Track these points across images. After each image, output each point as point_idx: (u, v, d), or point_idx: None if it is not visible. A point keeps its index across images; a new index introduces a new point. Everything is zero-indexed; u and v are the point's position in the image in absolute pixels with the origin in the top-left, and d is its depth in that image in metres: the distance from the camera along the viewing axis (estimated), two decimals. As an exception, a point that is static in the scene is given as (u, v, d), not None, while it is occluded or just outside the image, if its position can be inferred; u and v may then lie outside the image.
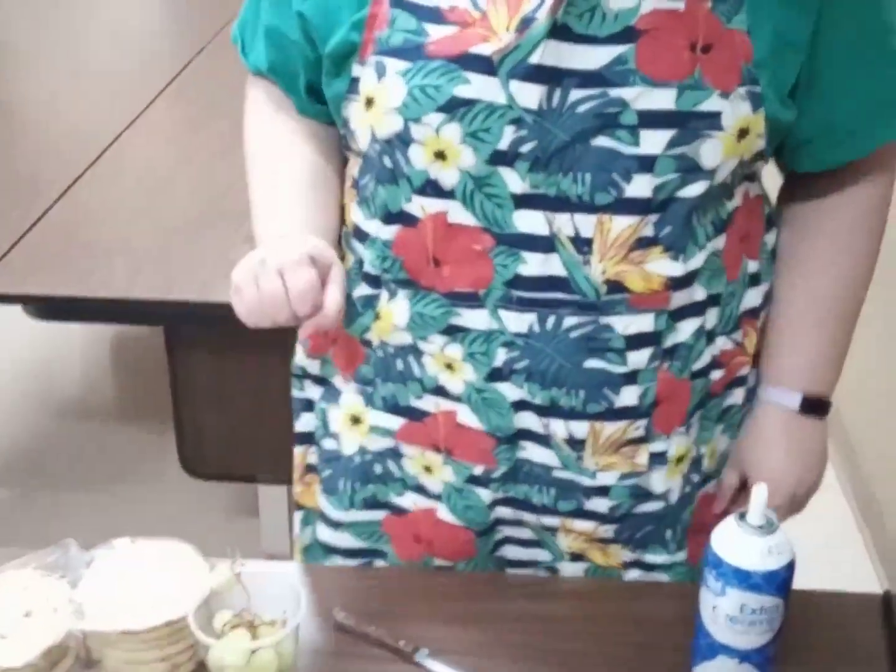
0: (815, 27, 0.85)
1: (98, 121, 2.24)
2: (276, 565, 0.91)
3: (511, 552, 1.03)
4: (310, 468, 1.09)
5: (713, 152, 0.84)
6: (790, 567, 0.83)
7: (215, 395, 1.76)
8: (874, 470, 2.28)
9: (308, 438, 1.08)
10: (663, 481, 0.97)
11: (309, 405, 1.07)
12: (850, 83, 0.89)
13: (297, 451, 1.09)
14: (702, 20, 0.81)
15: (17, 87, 2.60)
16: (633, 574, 1.02)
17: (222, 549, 0.99)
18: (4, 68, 2.79)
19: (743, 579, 0.82)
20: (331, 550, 1.07)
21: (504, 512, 0.99)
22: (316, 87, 0.95)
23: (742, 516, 0.84)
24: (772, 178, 1.00)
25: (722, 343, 0.97)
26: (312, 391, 1.06)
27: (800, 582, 0.86)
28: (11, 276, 1.71)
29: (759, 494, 0.83)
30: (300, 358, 1.06)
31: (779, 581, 0.83)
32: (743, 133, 0.85)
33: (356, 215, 0.96)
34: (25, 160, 2.10)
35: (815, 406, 1.01)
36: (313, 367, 1.05)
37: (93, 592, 0.89)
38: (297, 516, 1.12)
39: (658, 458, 0.96)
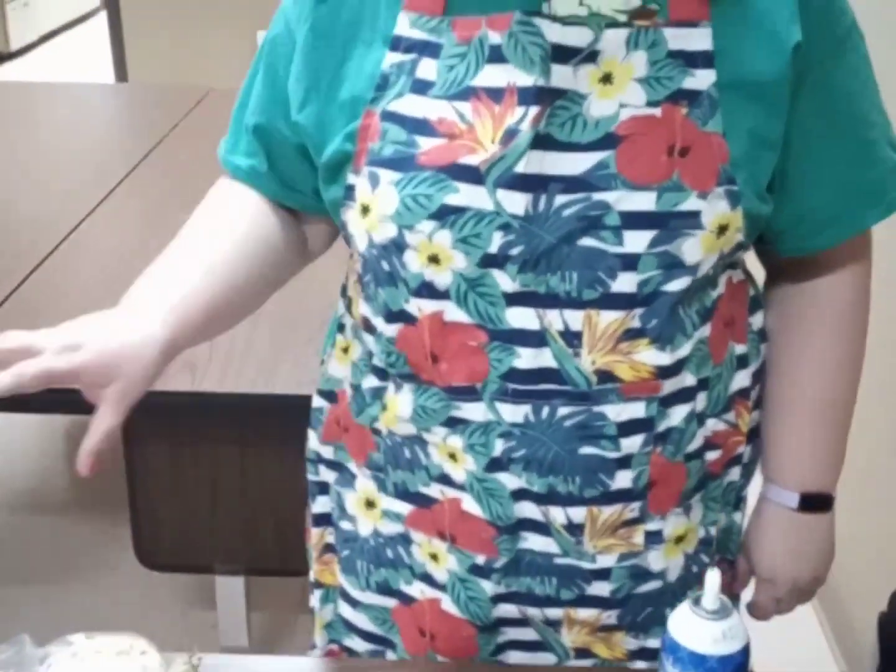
0: (786, 124, 0.89)
1: (57, 211, 2.25)
2: (233, 658, 0.90)
3: (514, 657, 1.04)
4: (328, 547, 1.11)
5: (694, 249, 0.87)
6: (745, 651, 0.84)
7: (171, 485, 1.75)
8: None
9: (325, 520, 1.10)
10: (661, 560, 0.99)
11: (324, 488, 1.09)
12: (824, 174, 0.94)
13: (315, 531, 1.12)
14: (678, 125, 0.85)
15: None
16: (640, 665, 1.03)
17: (179, 641, 0.98)
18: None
19: (699, 664, 0.83)
20: (351, 628, 1.08)
21: (507, 609, 1.00)
22: (300, 187, 0.99)
23: (697, 601, 0.85)
24: (756, 260, 1.04)
25: (713, 425, 0.99)
26: (327, 475, 1.09)
27: (758, 665, 0.87)
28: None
29: (712, 579, 0.84)
30: (314, 443, 1.09)
31: (734, 665, 0.84)
32: (722, 230, 0.88)
33: (364, 309, 0.99)
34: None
35: (815, 503, 1.04)
36: (327, 452, 1.08)
37: None
38: (317, 594, 1.13)
39: (653, 537, 0.98)
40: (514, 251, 0.87)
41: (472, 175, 0.85)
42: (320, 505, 1.11)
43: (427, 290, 0.90)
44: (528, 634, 1.02)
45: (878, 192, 0.95)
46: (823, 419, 1.03)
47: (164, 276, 0.95)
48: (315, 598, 1.14)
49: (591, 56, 0.85)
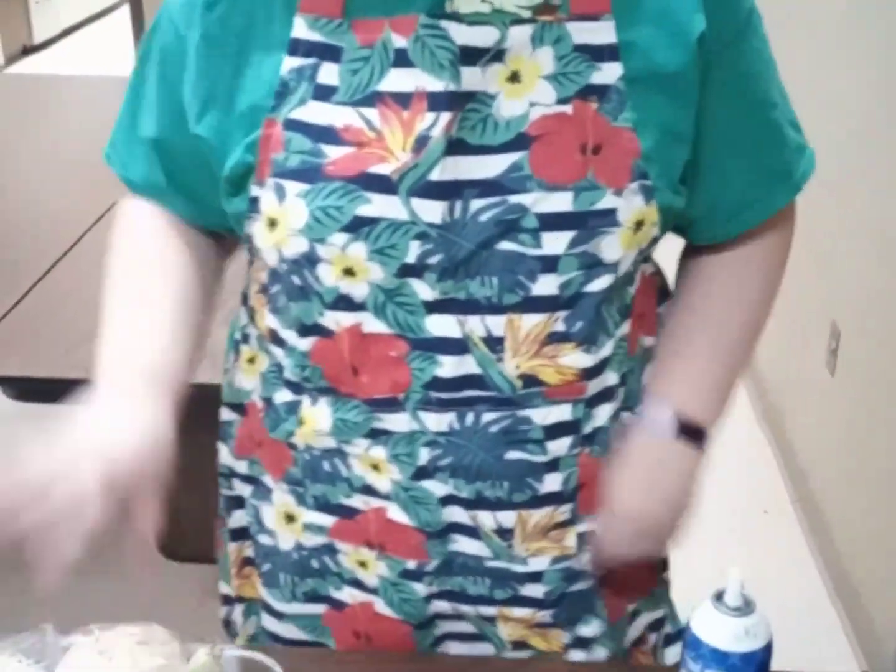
0: (696, 114, 0.89)
1: (76, 207, 2.26)
2: (255, 649, 0.90)
3: (453, 648, 1.03)
4: (247, 561, 1.09)
5: (613, 247, 0.87)
6: (768, 648, 0.84)
7: (192, 475, 1.75)
8: (848, 548, 2.29)
9: (242, 534, 1.08)
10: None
11: (239, 502, 1.07)
12: (734, 161, 0.93)
13: (232, 546, 1.09)
14: (590, 121, 0.85)
15: (1, 173, 2.62)
16: (577, 656, 1.02)
17: (200, 632, 0.99)
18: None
19: (721, 661, 0.83)
20: (277, 639, 1.06)
21: (441, 606, 0.99)
22: (205, 200, 0.95)
23: (719, 597, 0.85)
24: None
25: (627, 419, 0.98)
26: (242, 489, 1.06)
27: (777, 662, 0.86)
28: (-9, 358, 1.72)
29: (735, 577, 0.84)
30: (225, 458, 1.07)
31: (757, 662, 0.83)
32: (639, 225, 0.87)
33: (270, 321, 0.96)
34: (5, 245, 2.12)
35: (688, 430, 0.98)
36: (241, 467, 1.05)
37: None
38: (239, 608, 1.11)
39: (586, 538, 0.97)
40: (433, 260, 0.86)
41: (384, 185, 0.84)
42: (236, 519, 1.08)
43: (343, 302, 0.89)
44: (464, 627, 1.01)
45: (785, 172, 0.96)
46: (717, 355, 1.00)
47: (137, 344, 0.92)
48: (237, 613, 1.12)
49: (497, 55, 0.83)
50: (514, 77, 0.84)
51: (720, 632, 0.83)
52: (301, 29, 0.86)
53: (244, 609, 1.11)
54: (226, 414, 1.06)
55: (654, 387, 0.99)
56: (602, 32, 0.84)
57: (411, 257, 0.85)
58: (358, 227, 0.84)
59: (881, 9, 2.22)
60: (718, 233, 0.98)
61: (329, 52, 0.85)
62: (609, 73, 0.85)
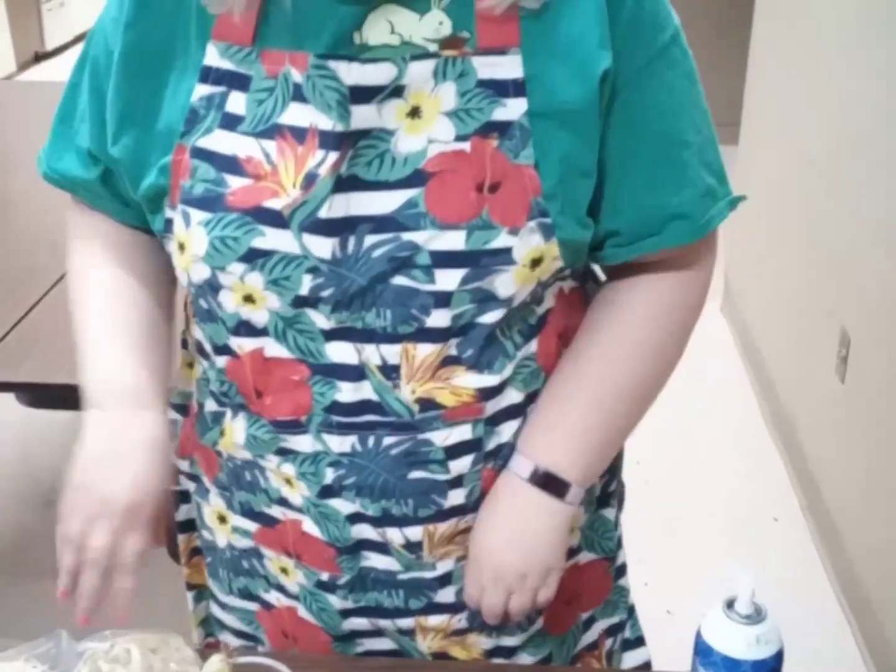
0: (599, 146, 0.88)
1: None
2: (269, 656, 0.91)
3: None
4: (195, 551, 1.12)
5: (507, 284, 0.87)
6: (779, 656, 0.84)
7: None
8: (859, 556, 2.28)
9: (190, 525, 1.11)
10: None
11: (186, 496, 1.10)
12: (630, 195, 0.90)
13: (181, 537, 1.12)
14: (488, 159, 0.84)
15: (13, 181, 2.64)
16: (482, 662, 1.03)
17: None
18: (2, 163, 2.84)
19: (732, 668, 0.83)
20: (223, 626, 1.10)
21: (359, 623, 1.01)
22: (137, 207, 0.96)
23: (730, 605, 0.85)
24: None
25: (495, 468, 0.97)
26: (187, 484, 1.09)
27: (787, 670, 0.86)
28: (5, 364, 1.72)
29: (746, 583, 0.84)
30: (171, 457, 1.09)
31: (768, 670, 0.83)
32: (536, 262, 0.87)
33: (197, 333, 0.98)
34: (19, 252, 2.12)
35: (549, 481, 0.94)
36: (183, 465, 1.08)
37: None
38: (190, 595, 1.15)
39: None
40: (325, 293, 0.86)
41: (277, 219, 0.85)
42: (183, 513, 1.11)
43: (245, 328, 0.90)
44: (383, 644, 1.03)
45: (682, 213, 0.91)
46: (596, 405, 0.95)
47: (120, 368, 0.96)
48: (189, 598, 1.15)
49: (396, 91, 0.83)
50: (415, 112, 0.84)
51: (731, 639, 0.83)
52: (213, 56, 0.86)
53: (195, 595, 1.14)
54: (172, 414, 1.08)
55: (521, 436, 0.96)
56: (508, 66, 0.84)
57: (304, 290, 0.86)
58: (253, 258, 0.86)
59: (892, 12, 2.22)
60: (618, 255, 0.94)
61: (238, 81, 0.86)
62: (513, 108, 0.84)
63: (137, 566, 0.91)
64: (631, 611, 1.12)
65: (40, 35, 6.88)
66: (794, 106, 2.90)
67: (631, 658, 1.12)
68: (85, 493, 0.92)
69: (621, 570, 1.11)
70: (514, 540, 0.95)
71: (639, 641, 1.13)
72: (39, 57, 6.89)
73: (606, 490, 1.07)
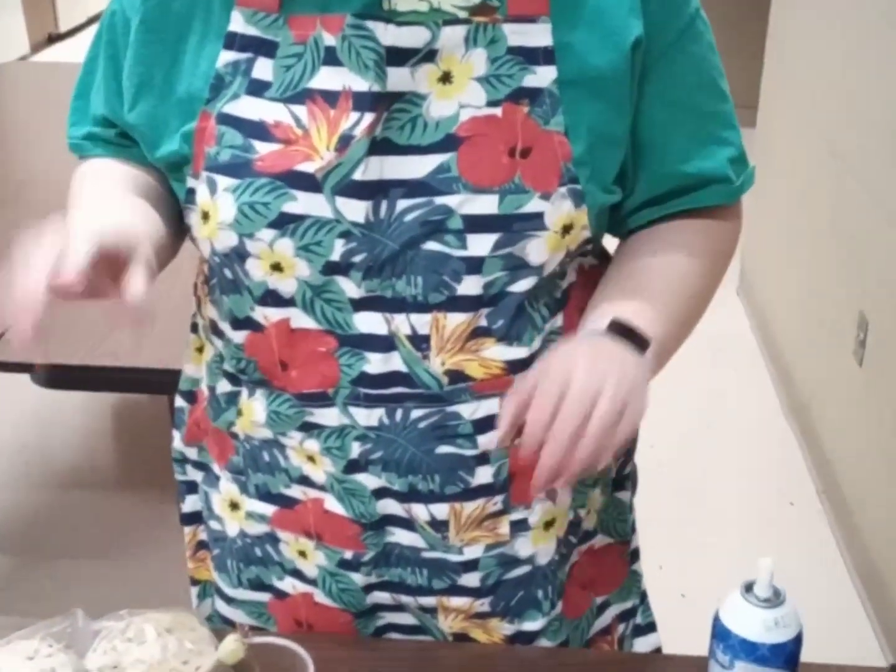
0: (632, 117, 0.88)
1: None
2: (283, 636, 0.91)
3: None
4: (201, 544, 1.10)
5: (539, 250, 0.86)
6: (798, 640, 0.84)
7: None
8: (875, 540, 2.27)
9: (196, 518, 1.10)
10: (528, 546, 0.98)
11: (193, 487, 1.09)
12: (663, 165, 0.92)
13: (187, 530, 1.11)
14: (519, 124, 0.84)
15: (28, 161, 2.64)
16: (498, 645, 1.02)
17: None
18: (15, 148, 2.84)
19: (750, 652, 0.83)
20: (228, 623, 1.08)
21: (382, 597, 1.00)
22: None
23: (749, 588, 0.84)
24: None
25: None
26: (195, 474, 1.08)
27: (803, 654, 0.86)
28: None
29: (765, 567, 0.83)
30: (178, 444, 1.08)
31: (786, 654, 0.83)
32: (567, 229, 0.87)
33: (212, 313, 0.98)
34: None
35: (627, 332, 0.87)
36: (191, 453, 1.07)
37: (100, 663, 0.89)
38: (194, 591, 1.13)
39: (519, 526, 0.97)
40: (357, 258, 0.86)
41: (310, 182, 0.84)
42: (190, 504, 1.10)
43: (272, 297, 0.89)
44: (405, 619, 1.02)
45: (721, 178, 0.94)
46: (663, 300, 0.92)
47: (107, 202, 0.90)
48: (192, 594, 1.14)
49: (429, 55, 0.83)
50: (446, 78, 0.84)
51: (750, 622, 0.83)
52: (238, 23, 0.86)
53: (199, 590, 1.13)
54: (179, 401, 1.08)
55: (587, 311, 0.92)
56: (538, 35, 0.84)
57: (336, 255, 0.86)
58: (284, 223, 0.85)
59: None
60: (652, 213, 0.95)
61: (264, 47, 0.85)
62: (543, 76, 0.84)
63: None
64: (643, 596, 1.12)
65: (54, 17, 6.88)
66: (813, 88, 2.88)
67: (642, 644, 1.12)
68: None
69: (635, 555, 1.11)
70: (595, 360, 0.84)
71: (650, 627, 1.13)
72: (53, 38, 6.90)
73: (622, 472, 1.07)
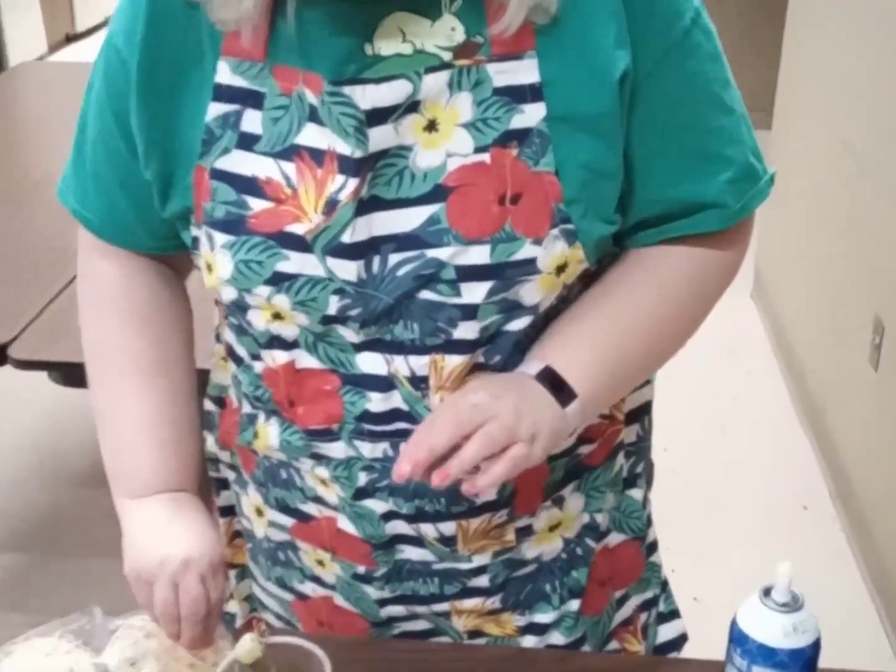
0: (625, 143, 0.85)
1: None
2: (301, 635, 0.91)
3: None
4: (237, 534, 1.12)
5: (532, 292, 0.86)
6: (816, 645, 0.83)
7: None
8: (889, 546, 2.26)
9: (230, 511, 1.11)
10: (533, 548, 1.00)
11: (225, 483, 1.10)
12: (665, 188, 0.89)
13: (222, 521, 1.12)
14: (508, 169, 0.83)
15: (43, 161, 2.65)
16: (530, 641, 1.03)
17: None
18: (33, 143, 2.85)
19: (768, 657, 0.82)
20: (264, 606, 1.10)
21: (396, 610, 1.01)
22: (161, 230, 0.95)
23: (767, 593, 0.84)
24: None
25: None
26: (227, 472, 1.09)
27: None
28: (38, 344, 1.73)
29: (784, 572, 0.83)
30: (211, 446, 1.09)
31: (805, 659, 0.83)
32: (561, 269, 0.86)
33: (229, 336, 0.98)
34: (52, 231, 2.13)
35: (557, 382, 0.88)
36: (224, 456, 1.08)
37: (118, 659, 0.89)
38: (232, 573, 1.14)
39: (524, 532, 0.98)
40: (353, 312, 0.86)
41: (300, 243, 0.84)
42: (224, 499, 1.11)
43: (277, 342, 0.90)
44: (420, 625, 1.03)
45: (717, 203, 0.89)
46: (611, 339, 0.91)
47: (155, 454, 0.97)
48: (231, 575, 1.14)
49: (411, 106, 0.82)
50: (432, 126, 0.83)
51: (768, 627, 0.83)
52: (225, 74, 0.85)
53: (238, 573, 1.14)
54: (207, 405, 1.08)
55: (535, 345, 0.91)
56: (524, 72, 0.82)
57: (332, 310, 0.86)
58: (279, 281, 0.85)
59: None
60: (647, 237, 0.92)
61: (252, 99, 0.84)
62: (531, 115, 0.82)
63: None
64: (664, 585, 1.12)
65: (71, 16, 6.90)
66: (830, 89, 2.87)
67: (666, 631, 1.12)
68: (155, 564, 0.90)
69: (652, 547, 1.10)
70: (509, 393, 0.85)
71: (673, 614, 1.13)
72: (70, 38, 6.91)
73: (633, 471, 1.07)
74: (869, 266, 2.47)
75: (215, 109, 0.85)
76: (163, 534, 0.93)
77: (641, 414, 1.06)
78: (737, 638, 0.84)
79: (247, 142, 0.85)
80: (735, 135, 0.89)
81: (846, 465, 2.57)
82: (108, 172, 0.94)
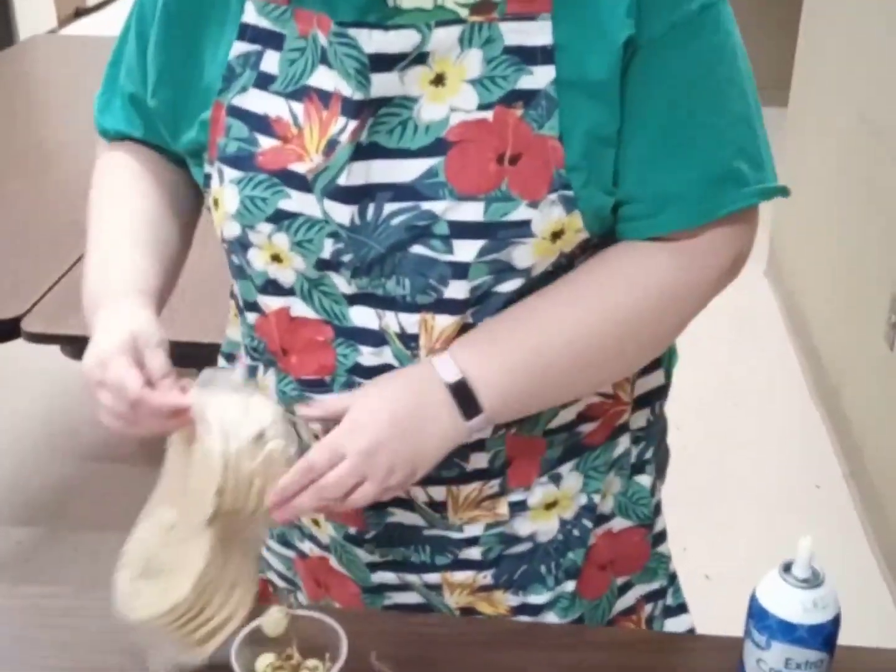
0: (621, 119, 0.83)
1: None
2: (321, 610, 0.91)
3: None
4: None
5: (525, 255, 0.85)
6: (836, 621, 0.83)
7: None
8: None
9: None
10: (528, 525, 0.99)
11: None
12: (636, 163, 0.86)
13: None
14: (511, 129, 0.82)
15: (56, 134, 2.64)
16: (523, 620, 1.02)
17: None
18: (44, 115, 2.84)
19: (788, 632, 0.82)
20: (269, 566, 1.11)
21: (387, 577, 1.02)
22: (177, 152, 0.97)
23: (787, 568, 0.83)
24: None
25: (587, 398, 0.97)
26: None
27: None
28: (50, 317, 1.73)
29: (804, 547, 0.82)
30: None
31: (825, 635, 0.82)
32: (557, 235, 0.85)
33: (235, 289, 1.00)
34: (64, 205, 2.13)
35: (468, 397, 0.87)
36: None
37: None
38: None
39: (518, 506, 0.98)
40: (345, 258, 0.87)
41: (302, 182, 0.85)
42: None
43: (272, 287, 0.91)
44: (411, 598, 1.03)
45: (681, 197, 0.86)
46: (533, 344, 0.88)
47: (124, 272, 0.96)
48: None
49: (419, 58, 0.82)
50: (439, 80, 0.83)
51: (788, 603, 0.82)
52: (251, 13, 0.87)
53: None
54: (221, 362, 1.10)
55: (459, 340, 0.89)
56: (537, 33, 0.81)
57: (326, 253, 0.87)
58: (280, 219, 0.86)
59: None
60: (620, 234, 0.90)
61: (273, 40, 0.86)
62: (540, 77, 0.82)
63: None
64: (672, 578, 1.11)
65: (81, -10, 6.88)
66: (849, 65, 2.84)
67: (673, 625, 1.11)
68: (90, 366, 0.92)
69: (660, 537, 1.09)
70: (406, 426, 0.86)
71: (681, 608, 1.12)
72: (80, 12, 6.90)
73: (642, 457, 1.06)
74: (886, 243, 2.45)
75: (238, 48, 0.88)
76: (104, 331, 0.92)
77: (652, 399, 1.05)
78: (756, 613, 0.84)
79: (264, 81, 0.87)
80: (724, 134, 0.86)
81: (860, 444, 2.56)
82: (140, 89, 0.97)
